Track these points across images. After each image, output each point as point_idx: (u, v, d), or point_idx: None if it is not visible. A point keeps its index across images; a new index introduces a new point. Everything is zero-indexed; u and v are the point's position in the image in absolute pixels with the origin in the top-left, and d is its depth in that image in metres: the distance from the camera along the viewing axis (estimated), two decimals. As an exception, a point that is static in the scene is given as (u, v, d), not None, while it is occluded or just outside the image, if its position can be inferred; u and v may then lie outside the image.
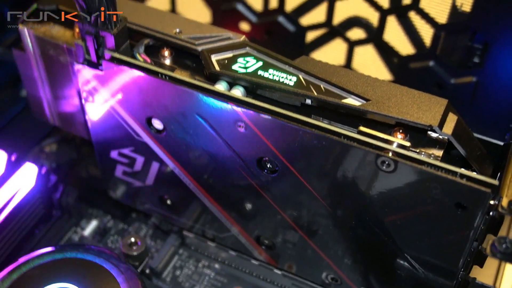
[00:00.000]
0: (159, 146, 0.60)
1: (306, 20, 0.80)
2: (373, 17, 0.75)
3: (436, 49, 0.72)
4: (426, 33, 0.74)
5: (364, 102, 0.51)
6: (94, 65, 0.57)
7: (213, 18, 0.85)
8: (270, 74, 0.54)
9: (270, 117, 0.51)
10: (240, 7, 0.83)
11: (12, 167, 0.66)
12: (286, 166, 0.53)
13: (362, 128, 0.50)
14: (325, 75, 0.53)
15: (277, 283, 0.67)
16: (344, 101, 0.52)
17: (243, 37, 0.57)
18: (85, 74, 0.57)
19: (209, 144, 0.56)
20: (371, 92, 0.52)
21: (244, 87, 0.54)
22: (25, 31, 0.61)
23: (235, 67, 0.55)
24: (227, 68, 0.55)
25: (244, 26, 0.84)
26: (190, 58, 0.58)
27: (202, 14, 0.85)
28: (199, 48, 0.56)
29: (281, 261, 0.64)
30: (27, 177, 0.66)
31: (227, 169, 0.57)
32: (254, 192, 0.58)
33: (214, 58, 0.55)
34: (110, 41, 0.55)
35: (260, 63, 0.55)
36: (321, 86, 0.53)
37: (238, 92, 0.54)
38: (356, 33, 0.77)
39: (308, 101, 0.53)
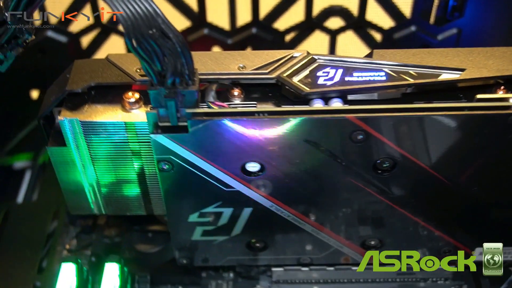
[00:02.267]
0: (254, 189, 0.56)
1: (282, 24, 0.79)
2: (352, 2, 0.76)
3: (415, 15, 0.75)
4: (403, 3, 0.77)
5: (461, 72, 0.53)
6: (175, 129, 0.51)
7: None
8: (357, 77, 0.53)
9: (389, 115, 0.50)
10: (207, 32, 0.80)
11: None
12: (405, 158, 0.53)
13: (479, 96, 0.51)
14: (403, 61, 0.53)
15: (380, 279, 0.67)
16: (441, 78, 0.53)
17: (306, 52, 0.55)
18: (162, 142, 0.52)
19: (317, 167, 0.54)
20: (459, 62, 0.53)
21: (338, 97, 0.53)
22: (66, 122, 0.53)
23: (320, 81, 0.53)
24: (315, 85, 0.53)
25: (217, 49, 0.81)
26: (260, 90, 0.55)
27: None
28: (274, 76, 0.53)
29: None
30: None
31: (335, 185, 0.56)
32: (365, 198, 0.56)
33: (295, 80, 0.53)
34: (191, 98, 0.50)
35: (341, 70, 0.54)
36: (410, 71, 0.53)
37: (339, 103, 0.52)
38: (335, 22, 0.78)
39: (409, 90, 0.53)
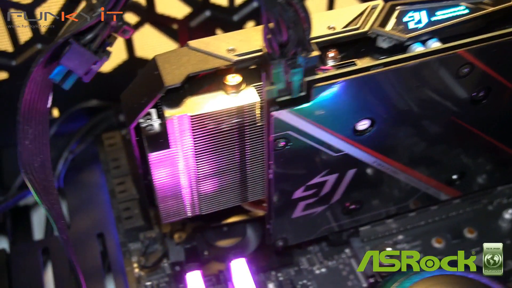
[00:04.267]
0: (362, 148, 0.56)
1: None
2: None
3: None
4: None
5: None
6: (296, 102, 0.50)
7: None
8: (443, 14, 0.54)
9: (491, 43, 0.52)
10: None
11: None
12: (502, 85, 0.55)
13: None
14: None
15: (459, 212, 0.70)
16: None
17: (381, 1, 0.55)
18: (283, 118, 0.50)
19: (422, 109, 0.54)
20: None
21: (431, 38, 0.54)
22: (175, 120, 0.50)
23: (411, 26, 0.54)
24: (409, 30, 0.53)
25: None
26: (350, 48, 0.55)
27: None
28: (367, 30, 0.53)
29: (470, 186, 0.66)
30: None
31: (436, 126, 0.57)
32: (461, 133, 0.58)
33: (388, 30, 0.53)
34: (312, 64, 0.49)
35: (425, 12, 0.55)
36: (484, 1, 0.55)
37: (437, 43, 0.53)
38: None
39: (494, 17, 0.55)
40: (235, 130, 0.52)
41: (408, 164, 0.59)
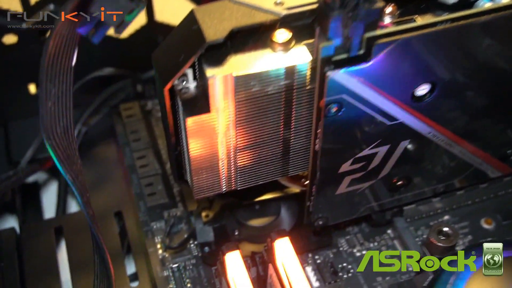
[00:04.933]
0: (419, 116, 0.50)
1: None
2: None
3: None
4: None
5: None
6: (353, 61, 0.44)
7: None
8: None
9: None
10: None
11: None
12: None
13: None
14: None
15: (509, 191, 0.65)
16: None
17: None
18: (339, 80, 0.44)
19: (490, 75, 0.49)
20: None
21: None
22: (217, 81, 0.44)
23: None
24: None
25: None
26: (411, 3, 0.49)
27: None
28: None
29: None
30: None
31: (498, 92, 0.52)
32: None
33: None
34: (374, 18, 0.43)
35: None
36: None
37: (508, -1, 0.48)
38: None
39: None
40: (281, 93, 0.46)
41: (465, 136, 0.54)
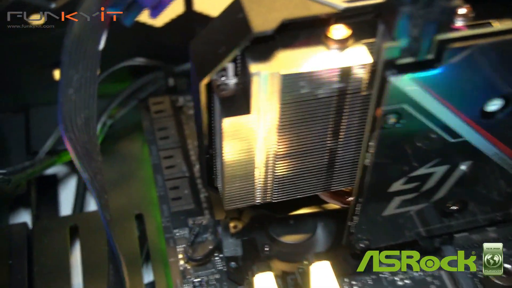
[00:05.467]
0: (486, 135, 0.44)
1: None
2: None
3: None
4: None
5: None
6: (420, 66, 0.38)
7: None
8: None
9: None
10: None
11: None
12: None
13: None
14: None
15: None
16: None
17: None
18: (402, 86, 0.38)
19: None
20: None
21: None
22: (263, 78, 0.38)
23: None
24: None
25: None
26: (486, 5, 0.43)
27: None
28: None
29: None
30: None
31: None
32: None
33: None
34: (449, 19, 0.37)
35: None
36: None
37: None
38: None
39: None
40: (332, 98, 0.41)
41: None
